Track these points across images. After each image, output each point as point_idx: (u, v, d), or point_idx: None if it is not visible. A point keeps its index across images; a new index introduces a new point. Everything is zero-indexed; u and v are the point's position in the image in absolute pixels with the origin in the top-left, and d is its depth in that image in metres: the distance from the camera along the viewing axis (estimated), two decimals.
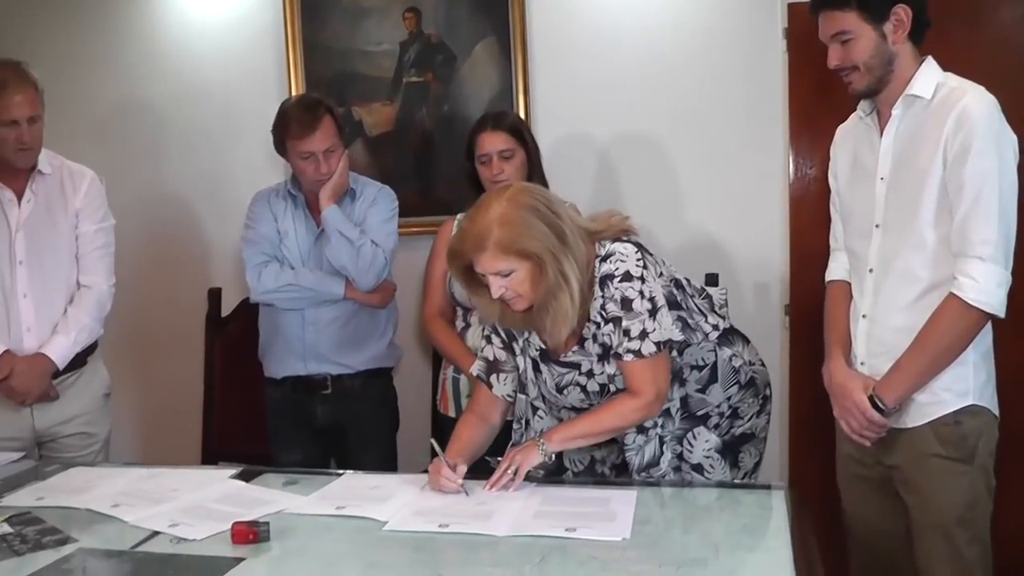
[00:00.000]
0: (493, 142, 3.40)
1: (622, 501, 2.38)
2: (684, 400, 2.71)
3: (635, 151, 4.12)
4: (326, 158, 3.42)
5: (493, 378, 2.77)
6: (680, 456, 2.70)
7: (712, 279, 3.68)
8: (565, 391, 2.67)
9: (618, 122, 4.13)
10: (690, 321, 2.67)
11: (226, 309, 4.08)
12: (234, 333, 4.01)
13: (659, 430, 2.63)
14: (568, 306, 2.45)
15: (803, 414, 3.95)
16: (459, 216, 3.46)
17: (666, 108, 4.07)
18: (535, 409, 2.77)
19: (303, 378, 3.57)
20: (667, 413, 2.65)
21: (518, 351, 2.73)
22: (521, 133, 3.46)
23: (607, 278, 2.50)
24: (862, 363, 2.68)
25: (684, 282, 2.75)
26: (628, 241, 2.56)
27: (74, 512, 2.55)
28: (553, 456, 2.60)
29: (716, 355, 2.73)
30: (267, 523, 2.25)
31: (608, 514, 2.30)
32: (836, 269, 2.87)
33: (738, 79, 3.99)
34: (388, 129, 4.32)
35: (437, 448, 2.61)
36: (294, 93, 4.24)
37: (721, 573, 1.99)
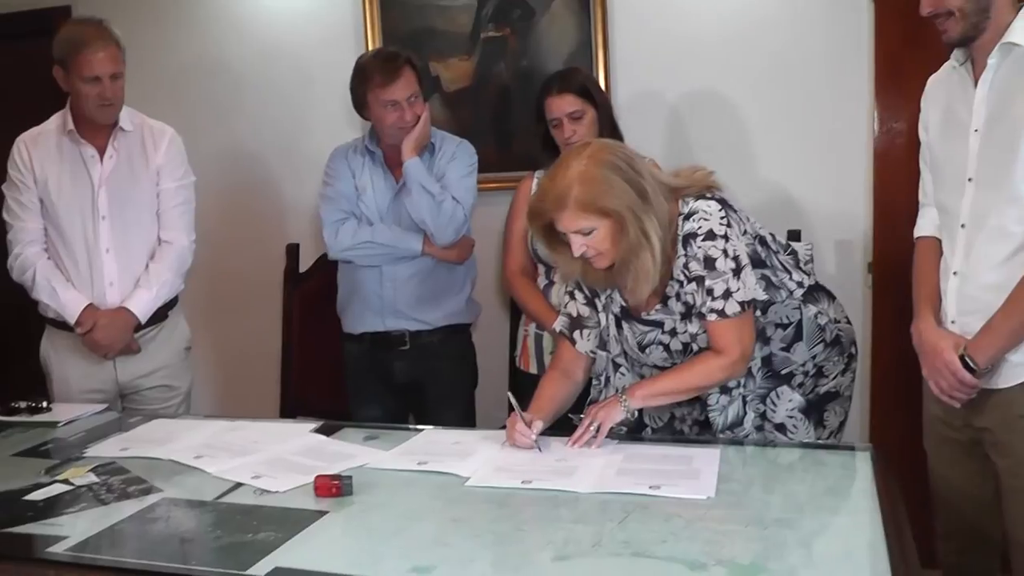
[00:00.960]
0: (561, 105, 3.37)
1: (706, 459, 2.36)
2: (768, 359, 2.67)
3: (715, 106, 4.05)
4: (410, 105, 3.41)
5: (576, 334, 2.75)
6: (763, 415, 2.67)
7: (795, 235, 3.61)
8: (647, 349, 2.65)
9: (698, 76, 4.06)
10: (774, 279, 2.63)
11: (304, 264, 4.08)
12: (312, 288, 4.01)
13: (742, 390, 2.61)
14: (650, 264, 2.43)
15: (887, 374, 3.89)
16: (538, 172, 3.48)
17: (747, 61, 3.99)
18: (617, 366, 2.75)
19: (381, 334, 3.58)
20: (749, 372, 2.62)
21: (600, 308, 2.71)
22: (589, 92, 3.41)
23: (690, 236, 2.48)
24: (952, 322, 2.60)
25: (769, 238, 2.70)
26: (712, 198, 2.52)
27: (158, 463, 2.58)
28: (636, 413, 2.59)
29: (801, 313, 2.68)
30: (350, 477, 2.25)
31: (692, 472, 2.28)
32: (925, 225, 2.78)
33: (822, 31, 3.89)
34: (466, 84, 4.29)
35: (514, 403, 2.58)
36: (370, 49, 4.22)
37: (808, 534, 1.95)
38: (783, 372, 2.69)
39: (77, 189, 3.42)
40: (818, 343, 2.70)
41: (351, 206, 3.54)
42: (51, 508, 2.27)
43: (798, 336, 2.68)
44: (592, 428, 2.50)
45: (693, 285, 2.51)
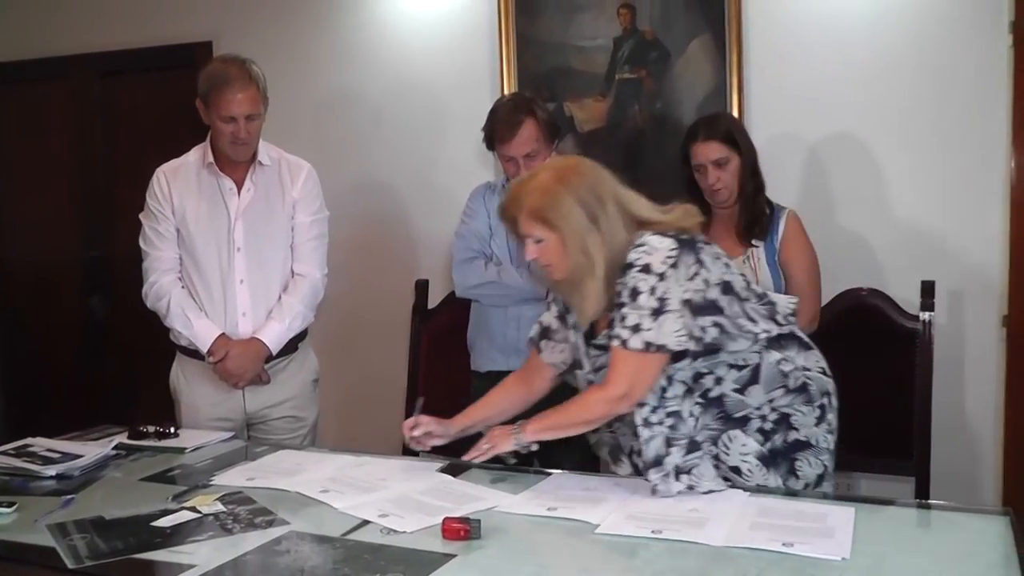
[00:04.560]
0: (706, 152, 3.38)
1: (840, 518, 2.27)
2: (719, 400, 2.59)
3: (848, 150, 4.01)
4: (527, 163, 3.41)
5: (543, 343, 2.85)
6: (717, 457, 2.59)
7: (928, 287, 3.53)
8: (600, 372, 2.64)
9: (832, 121, 4.03)
10: (729, 327, 2.55)
11: (433, 301, 4.10)
12: (440, 325, 4.02)
13: (665, 429, 2.52)
14: (590, 288, 2.50)
15: (1021, 432, 3.78)
16: None
17: (882, 106, 3.94)
18: (590, 383, 2.73)
19: (505, 373, 3.54)
20: (678, 416, 2.54)
21: (570, 324, 2.74)
22: (734, 139, 3.40)
23: (628, 266, 2.48)
24: None
25: (741, 286, 2.62)
26: (672, 236, 2.51)
27: (284, 494, 2.58)
28: (533, 446, 2.64)
29: (761, 357, 2.60)
30: (478, 520, 2.22)
31: (826, 530, 2.20)
32: None
33: (958, 76, 3.84)
34: (599, 125, 4.30)
35: (418, 406, 2.84)
36: (506, 88, 4.30)
37: None
38: (737, 415, 2.60)
39: (214, 220, 3.48)
40: (777, 388, 2.61)
41: (482, 245, 3.57)
42: (178, 535, 2.28)
43: (754, 379, 2.60)
44: (484, 447, 2.64)
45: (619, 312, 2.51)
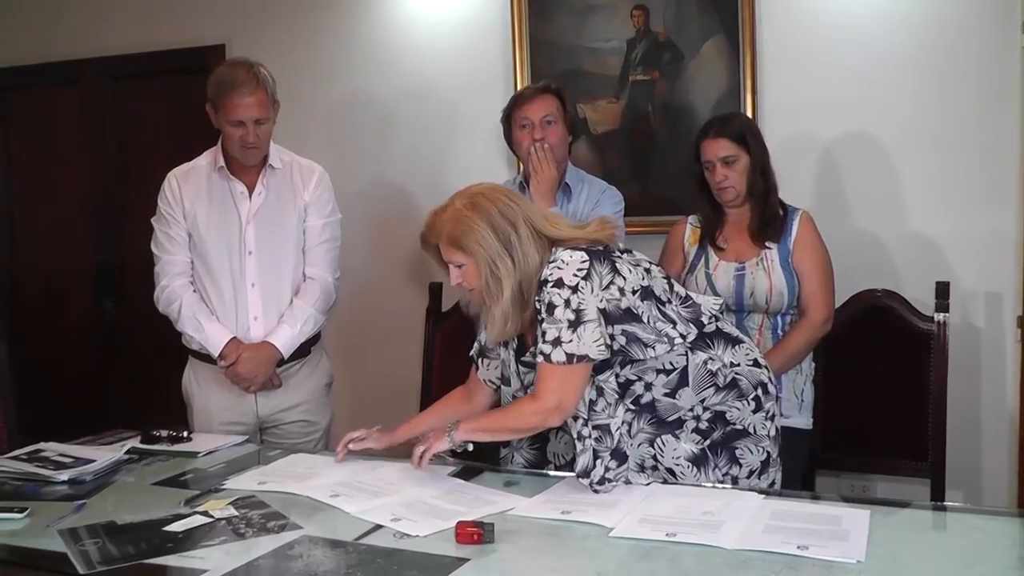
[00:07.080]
0: (715, 149, 3.36)
1: (855, 520, 2.26)
2: (651, 405, 2.63)
3: (862, 151, 3.99)
4: (543, 128, 3.47)
5: (481, 361, 2.94)
6: (655, 458, 2.65)
7: (943, 288, 3.52)
8: (529, 389, 2.71)
9: (846, 122, 4.01)
10: (643, 334, 2.57)
11: (446, 304, 4.10)
12: (453, 327, 4.02)
13: (593, 443, 2.55)
14: (496, 311, 2.58)
15: None
16: (690, 218, 3.52)
17: (895, 107, 3.93)
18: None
19: None
20: (605, 429, 2.56)
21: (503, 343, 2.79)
22: (744, 138, 3.38)
23: (543, 282, 2.55)
24: None
25: (662, 290, 2.65)
26: (584, 249, 2.55)
27: (295, 498, 2.58)
28: (470, 446, 2.69)
29: (687, 359, 2.63)
30: (492, 524, 2.21)
31: (841, 533, 2.18)
32: None
33: (972, 76, 3.82)
34: (613, 127, 4.29)
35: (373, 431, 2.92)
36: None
37: None
38: (670, 419, 2.64)
39: (225, 224, 3.47)
40: (707, 388, 2.64)
41: None
42: (190, 540, 2.28)
43: (683, 382, 2.63)
44: (420, 450, 2.68)
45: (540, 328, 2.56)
